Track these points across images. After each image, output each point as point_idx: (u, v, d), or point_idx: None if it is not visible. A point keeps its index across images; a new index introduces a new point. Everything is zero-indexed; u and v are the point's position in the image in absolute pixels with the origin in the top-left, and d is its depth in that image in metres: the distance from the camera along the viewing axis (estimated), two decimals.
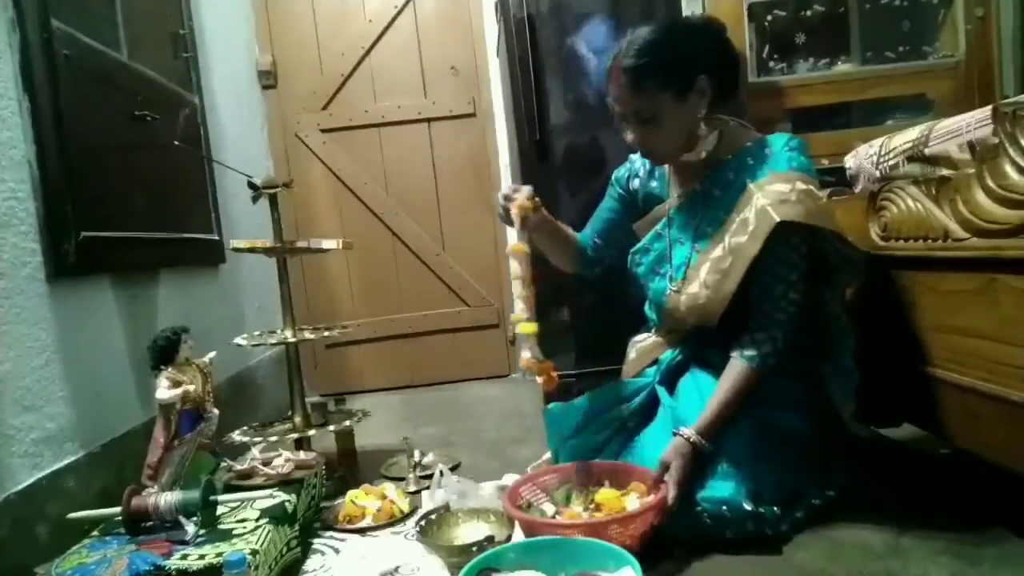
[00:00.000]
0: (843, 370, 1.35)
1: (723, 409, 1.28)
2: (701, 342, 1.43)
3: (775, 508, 1.23)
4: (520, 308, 1.33)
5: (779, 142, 1.34)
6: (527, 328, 1.29)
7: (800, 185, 1.26)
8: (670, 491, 1.19)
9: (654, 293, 1.47)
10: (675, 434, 1.27)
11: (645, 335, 1.61)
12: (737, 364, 1.30)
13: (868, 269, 1.34)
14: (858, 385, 1.34)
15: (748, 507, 1.20)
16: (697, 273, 1.35)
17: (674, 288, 1.40)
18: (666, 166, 1.50)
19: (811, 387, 1.37)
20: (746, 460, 1.25)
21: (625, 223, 1.57)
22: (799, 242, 1.28)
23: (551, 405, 1.51)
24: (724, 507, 1.20)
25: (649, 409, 1.44)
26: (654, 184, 1.52)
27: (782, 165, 1.30)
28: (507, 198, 1.40)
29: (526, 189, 1.40)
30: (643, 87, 1.30)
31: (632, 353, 1.63)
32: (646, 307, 1.59)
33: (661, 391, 1.42)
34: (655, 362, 1.52)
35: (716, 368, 1.36)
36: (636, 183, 1.55)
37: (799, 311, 1.30)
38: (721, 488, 1.22)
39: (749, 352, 1.29)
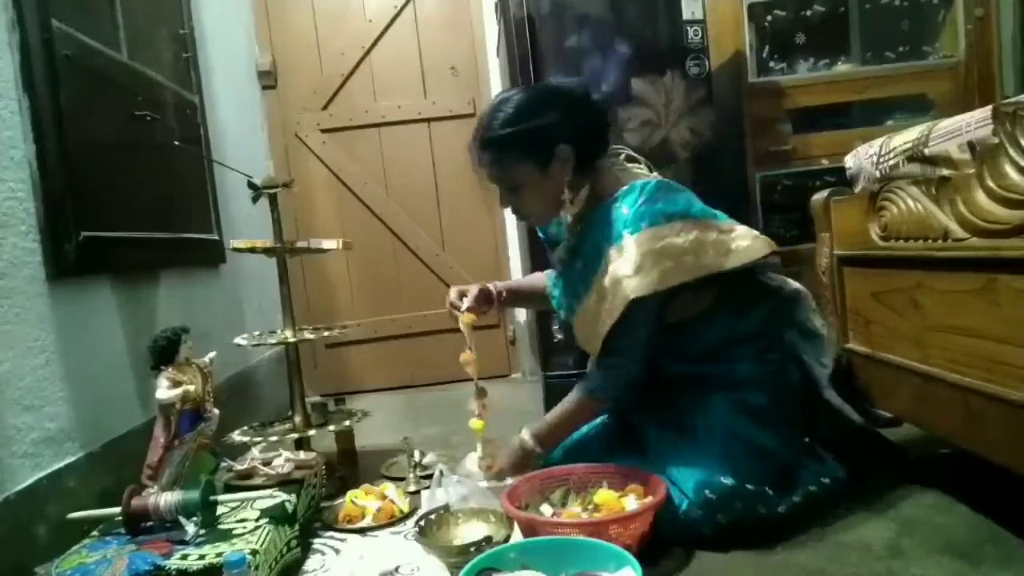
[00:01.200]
0: (806, 330, 1.41)
1: (561, 420, 1.42)
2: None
3: (766, 488, 1.23)
4: (472, 405, 1.51)
5: (631, 197, 1.32)
6: (478, 425, 1.49)
7: (653, 246, 1.25)
8: (481, 468, 1.41)
9: (564, 323, 1.54)
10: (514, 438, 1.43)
11: None
12: (576, 389, 1.40)
13: (868, 269, 1.34)
14: (842, 370, 1.41)
15: (728, 481, 1.21)
16: (578, 322, 1.40)
17: (568, 321, 1.47)
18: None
19: (775, 365, 1.37)
20: (720, 442, 1.27)
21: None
22: (652, 305, 1.28)
23: None
24: (707, 490, 1.21)
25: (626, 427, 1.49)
26: (553, 230, 1.54)
27: (635, 225, 1.28)
28: (453, 306, 1.53)
29: (472, 295, 1.52)
30: (504, 160, 1.35)
31: None
32: None
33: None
34: None
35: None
36: (550, 228, 1.55)
37: (639, 362, 1.35)
38: (699, 471, 1.24)
39: (588, 385, 1.39)
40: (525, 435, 1.42)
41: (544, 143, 1.32)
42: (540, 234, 1.62)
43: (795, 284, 1.46)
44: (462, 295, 1.53)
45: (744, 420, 1.31)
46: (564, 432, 1.45)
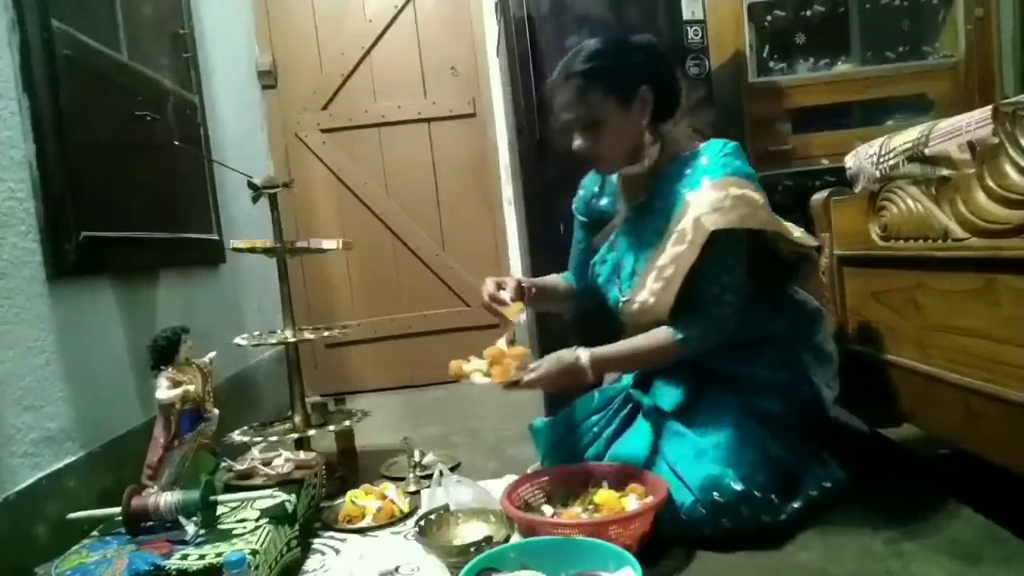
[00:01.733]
0: (821, 352, 1.42)
1: (628, 352, 1.36)
2: None
3: (771, 496, 1.23)
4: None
5: (713, 149, 1.37)
6: (515, 308, 1.42)
7: (733, 191, 1.29)
8: (524, 376, 1.30)
9: (611, 302, 1.50)
10: (568, 349, 1.34)
11: None
12: (664, 330, 1.34)
13: (868, 269, 1.34)
14: (846, 376, 1.40)
15: (738, 487, 1.20)
16: (644, 281, 1.38)
17: (625, 298, 1.43)
18: (615, 181, 1.53)
19: (793, 375, 1.39)
20: (732, 444, 1.27)
21: (591, 245, 1.60)
22: (734, 246, 1.31)
23: (535, 421, 1.57)
24: (715, 492, 1.21)
25: (629, 415, 1.47)
26: (605, 201, 1.56)
27: (716, 173, 1.32)
28: (494, 299, 1.46)
29: (510, 288, 1.45)
30: (588, 92, 1.33)
31: None
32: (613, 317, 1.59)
33: (636, 392, 1.46)
34: None
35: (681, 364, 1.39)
36: (594, 203, 1.59)
37: (735, 312, 1.33)
38: (708, 468, 1.23)
39: (678, 331, 1.33)
40: (581, 352, 1.33)
41: (628, 81, 1.34)
42: (578, 212, 1.61)
43: (816, 303, 1.49)
44: (500, 286, 1.47)
45: (758, 425, 1.31)
46: (624, 367, 1.41)
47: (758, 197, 1.31)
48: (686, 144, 1.42)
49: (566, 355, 1.33)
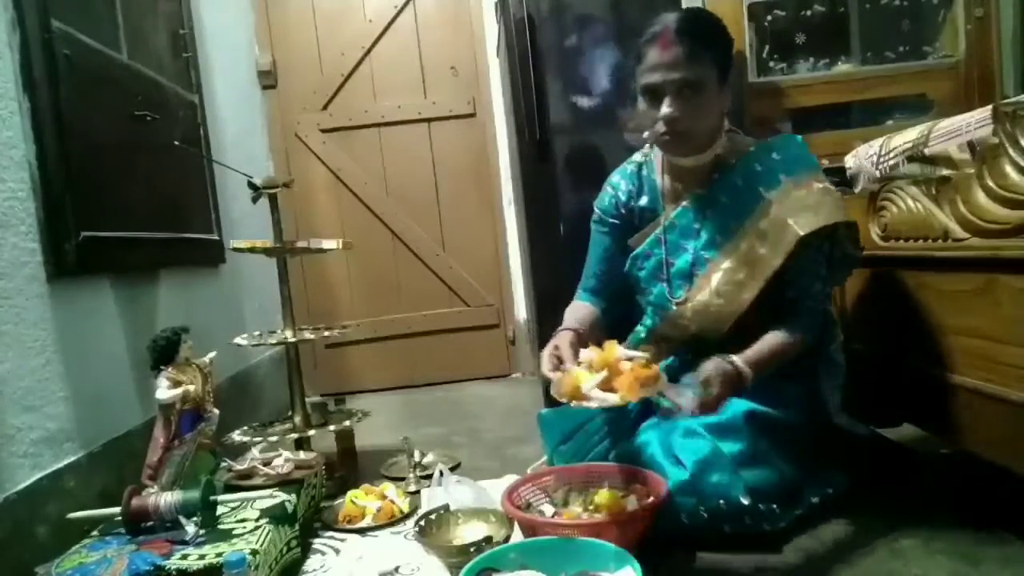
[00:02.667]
0: (830, 361, 1.40)
1: (770, 355, 1.25)
2: (695, 353, 1.39)
3: (774, 506, 1.23)
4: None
5: (789, 144, 1.35)
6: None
7: (816, 186, 1.28)
8: (694, 406, 1.13)
9: (656, 298, 1.45)
10: (721, 360, 1.20)
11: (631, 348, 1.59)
12: (786, 332, 1.28)
13: (868, 269, 1.34)
14: (846, 379, 1.39)
15: (745, 502, 1.20)
16: (708, 281, 1.34)
17: (679, 299, 1.39)
18: (655, 178, 1.47)
19: (805, 385, 1.38)
20: (745, 456, 1.25)
21: (625, 253, 1.51)
22: (822, 243, 1.29)
23: (544, 411, 1.54)
24: (721, 501, 1.20)
25: (639, 416, 1.45)
26: (644, 200, 1.49)
27: (795, 170, 1.31)
28: (559, 364, 1.24)
29: (566, 353, 1.24)
30: (699, 54, 1.28)
31: None
32: (647, 314, 1.52)
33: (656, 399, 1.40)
34: None
35: None
36: (632, 203, 1.50)
37: (828, 304, 1.34)
38: (719, 475, 1.22)
39: (799, 329, 1.29)
40: (735, 360, 1.21)
41: (729, 58, 1.34)
42: (608, 215, 1.51)
43: (832, 309, 1.47)
44: (559, 360, 1.25)
45: (771, 437, 1.29)
46: (767, 371, 1.26)
47: (832, 189, 1.30)
48: (743, 139, 1.40)
49: (723, 365, 1.19)
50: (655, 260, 1.45)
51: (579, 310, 1.52)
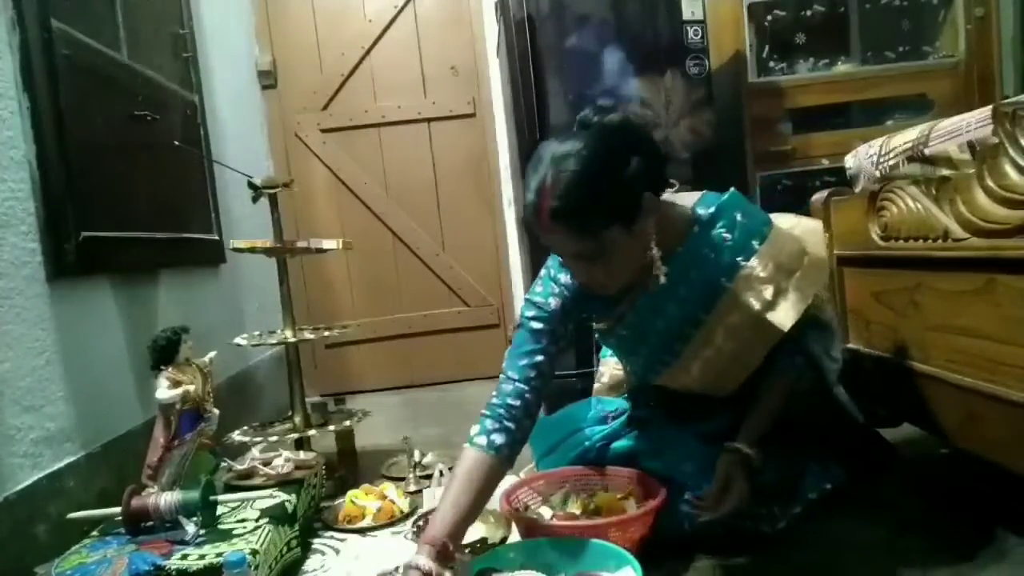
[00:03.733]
0: (817, 322, 1.32)
1: (768, 417, 1.26)
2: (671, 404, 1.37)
3: (774, 508, 1.23)
4: None
5: (730, 211, 1.20)
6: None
7: (778, 260, 1.17)
8: (725, 504, 1.16)
9: (637, 371, 1.41)
10: (725, 449, 1.22)
11: (615, 361, 1.58)
12: (776, 379, 1.27)
13: (869, 269, 1.34)
14: (846, 379, 1.36)
15: (743, 505, 1.19)
16: (688, 371, 1.27)
17: (660, 379, 1.32)
18: None
19: (812, 383, 1.35)
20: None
21: (560, 348, 1.28)
22: (802, 321, 1.20)
23: None
24: None
25: (617, 432, 1.41)
26: (595, 300, 1.27)
27: (747, 246, 1.18)
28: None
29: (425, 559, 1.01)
30: (584, 229, 1.08)
31: (604, 377, 1.61)
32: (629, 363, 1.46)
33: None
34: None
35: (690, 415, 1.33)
36: (589, 301, 1.27)
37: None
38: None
39: (785, 371, 1.27)
40: (739, 446, 1.21)
41: (629, 197, 1.09)
42: (560, 312, 1.25)
43: (832, 314, 1.41)
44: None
45: (771, 438, 1.27)
46: (772, 423, 1.26)
47: (794, 247, 1.19)
48: (673, 213, 1.22)
49: (732, 458, 1.20)
50: (628, 336, 1.32)
51: (473, 478, 1.13)
